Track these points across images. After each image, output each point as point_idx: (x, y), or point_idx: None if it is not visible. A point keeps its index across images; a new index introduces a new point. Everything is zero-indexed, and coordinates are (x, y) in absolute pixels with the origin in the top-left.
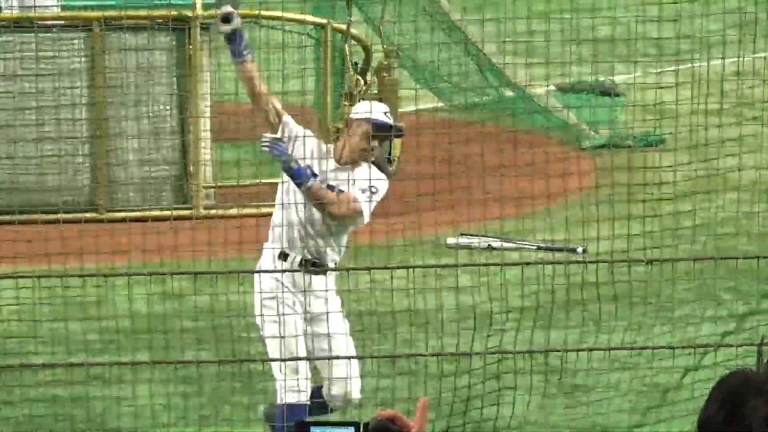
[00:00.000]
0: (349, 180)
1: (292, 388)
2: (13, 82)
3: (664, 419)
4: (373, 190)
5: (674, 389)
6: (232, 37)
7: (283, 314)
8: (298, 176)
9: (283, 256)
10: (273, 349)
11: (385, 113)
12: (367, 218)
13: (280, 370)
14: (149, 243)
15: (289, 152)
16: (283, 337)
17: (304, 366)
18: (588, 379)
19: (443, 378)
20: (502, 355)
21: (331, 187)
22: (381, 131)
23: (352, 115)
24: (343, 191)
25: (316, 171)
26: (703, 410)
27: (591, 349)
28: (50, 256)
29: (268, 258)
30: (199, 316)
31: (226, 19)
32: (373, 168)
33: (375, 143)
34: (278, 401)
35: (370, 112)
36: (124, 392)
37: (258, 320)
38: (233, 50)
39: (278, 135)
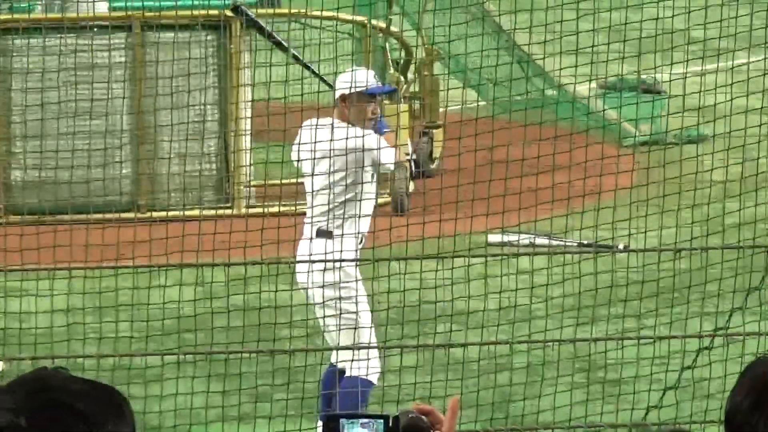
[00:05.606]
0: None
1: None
2: (56, 82)
3: (697, 411)
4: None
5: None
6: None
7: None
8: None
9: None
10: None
11: (374, 76)
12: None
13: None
14: (191, 242)
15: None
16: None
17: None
18: (627, 373)
19: (485, 374)
20: (543, 350)
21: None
22: (377, 95)
23: (342, 91)
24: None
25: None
26: (729, 398)
27: (620, 338)
28: (89, 256)
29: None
30: (237, 313)
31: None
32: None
33: (374, 106)
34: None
35: (351, 82)
36: (164, 390)
37: (330, 300)
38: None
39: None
